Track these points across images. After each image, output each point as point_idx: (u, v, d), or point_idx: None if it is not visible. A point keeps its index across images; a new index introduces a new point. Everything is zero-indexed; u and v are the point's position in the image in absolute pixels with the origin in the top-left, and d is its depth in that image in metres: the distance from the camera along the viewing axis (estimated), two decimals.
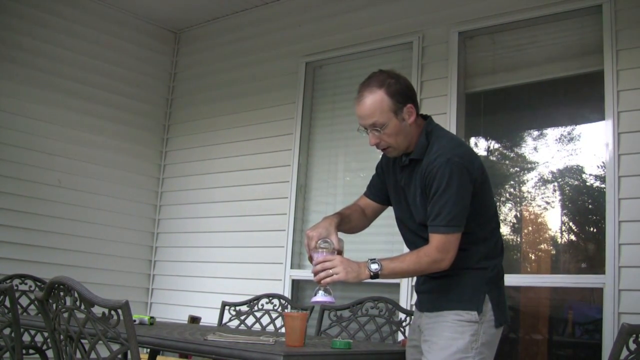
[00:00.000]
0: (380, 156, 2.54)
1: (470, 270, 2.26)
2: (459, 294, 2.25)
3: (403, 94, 2.28)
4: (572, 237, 4.06)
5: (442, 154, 2.20)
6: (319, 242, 2.26)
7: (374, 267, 2.19)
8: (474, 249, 2.26)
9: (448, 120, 4.10)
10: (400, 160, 2.38)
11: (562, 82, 4.00)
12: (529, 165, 4.18)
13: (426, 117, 2.41)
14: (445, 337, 2.21)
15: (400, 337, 3.47)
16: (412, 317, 3.47)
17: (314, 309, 3.71)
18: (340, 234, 2.40)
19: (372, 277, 2.20)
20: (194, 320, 4.24)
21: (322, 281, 2.18)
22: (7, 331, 2.85)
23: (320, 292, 2.11)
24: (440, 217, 2.17)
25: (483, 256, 2.27)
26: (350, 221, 2.49)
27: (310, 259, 2.29)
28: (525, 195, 4.21)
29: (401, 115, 2.27)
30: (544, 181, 4.09)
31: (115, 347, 2.04)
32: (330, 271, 2.18)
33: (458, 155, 2.20)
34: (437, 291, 2.31)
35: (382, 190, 2.54)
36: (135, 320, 2.66)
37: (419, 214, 2.29)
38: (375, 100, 2.26)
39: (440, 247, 2.18)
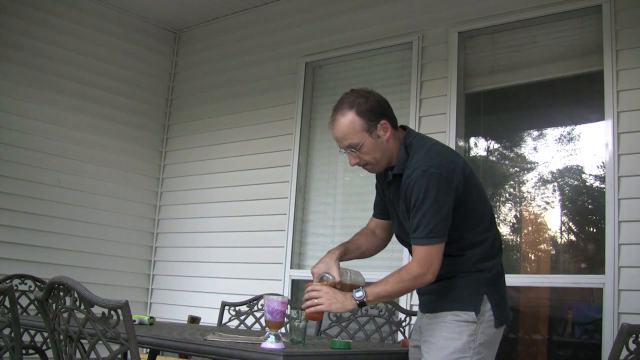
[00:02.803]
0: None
1: (468, 273, 2.27)
2: (457, 296, 2.26)
3: (374, 112, 2.30)
4: (572, 237, 4.06)
5: (419, 166, 2.21)
6: (318, 278, 2.34)
7: (358, 295, 2.23)
8: (469, 253, 2.27)
9: (448, 120, 4.11)
10: (386, 176, 2.41)
11: (562, 82, 4.00)
12: (529, 165, 4.18)
13: (405, 128, 2.42)
14: (443, 337, 2.22)
15: (400, 337, 3.47)
16: (412, 317, 3.49)
17: None
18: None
19: (359, 306, 2.26)
20: (194, 320, 4.24)
21: (307, 311, 2.26)
22: (6, 331, 2.85)
23: (271, 338, 2.12)
24: (420, 229, 2.19)
25: (480, 259, 2.28)
26: (358, 247, 2.55)
27: None
28: (525, 195, 4.21)
29: (375, 132, 2.29)
30: (544, 181, 4.08)
31: (115, 347, 2.04)
32: (315, 301, 2.25)
33: (434, 165, 2.20)
34: (436, 293, 2.32)
35: (384, 206, 2.55)
36: (135, 320, 2.66)
37: (409, 228, 2.31)
38: (347, 122, 2.29)
39: (422, 260, 2.20)
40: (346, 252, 2.49)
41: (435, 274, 2.21)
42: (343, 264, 2.43)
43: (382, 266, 3.79)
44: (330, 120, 2.36)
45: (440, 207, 2.17)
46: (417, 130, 4.14)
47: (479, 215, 2.32)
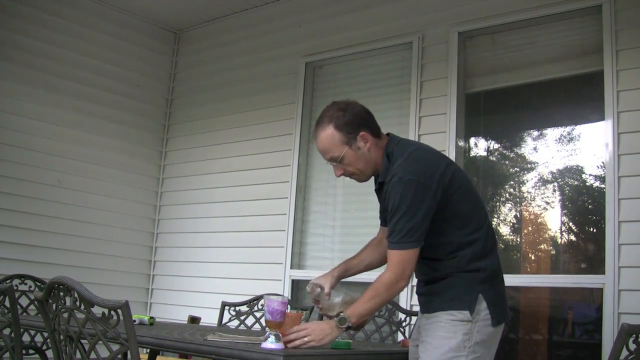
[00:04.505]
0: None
1: (463, 273, 2.28)
2: (452, 295, 2.27)
3: (353, 124, 2.34)
4: (572, 237, 4.06)
5: (396, 173, 2.25)
6: (309, 288, 2.44)
7: (341, 322, 2.27)
8: (461, 254, 2.29)
9: (448, 120, 4.11)
10: (375, 184, 2.46)
11: (562, 82, 3.99)
12: (529, 165, 4.18)
13: (389, 135, 2.45)
14: (438, 336, 2.24)
15: (400, 337, 3.47)
16: (412, 317, 3.49)
17: (314, 309, 3.71)
18: None
19: (347, 330, 2.29)
20: (194, 320, 4.24)
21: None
22: (7, 331, 2.85)
23: (271, 338, 2.13)
24: (394, 234, 2.23)
25: (472, 258, 2.29)
26: (362, 261, 2.61)
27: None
28: (525, 195, 4.21)
29: (355, 144, 2.34)
30: (544, 181, 4.08)
31: (115, 347, 2.04)
32: (305, 339, 2.24)
33: (411, 172, 2.23)
34: (432, 294, 2.35)
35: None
36: (135, 321, 2.66)
37: None
38: (326, 136, 2.35)
39: (394, 266, 2.24)
40: (347, 268, 2.55)
41: (408, 279, 2.26)
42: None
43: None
44: (312, 134, 2.41)
45: (414, 213, 2.20)
46: (417, 131, 4.20)
47: (465, 216, 2.33)
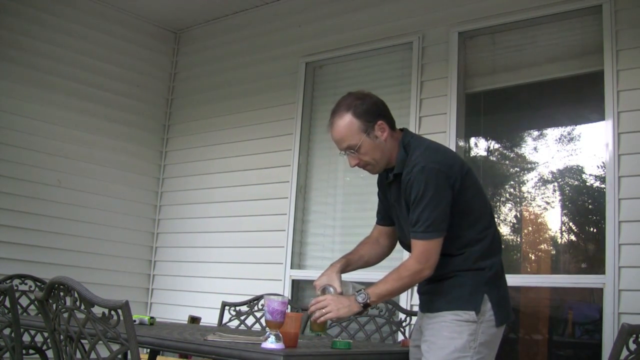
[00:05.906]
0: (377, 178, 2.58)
1: (468, 272, 2.28)
2: (457, 295, 2.27)
3: (371, 113, 2.33)
4: (572, 237, 4.06)
5: (418, 162, 2.24)
6: (320, 290, 2.40)
7: (361, 297, 2.28)
8: (469, 251, 2.29)
9: (448, 120, 4.11)
10: (387, 177, 2.44)
11: (562, 82, 4.00)
12: (529, 165, 4.18)
13: (403, 130, 2.45)
14: (443, 336, 2.23)
15: (400, 337, 3.47)
16: (412, 317, 3.49)
17: None
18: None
19: (364, 307, 2.31)
20: (194, 320, 4.24)
21: (318, 320, 2.30)
22: (7, 331, 2.85)
23: (271, 338, 2.13)
24: (419, 223, 2.22)
25: (479, 256, 2.29)
26: (361, 257, 2.60)
27: None
28: (525, 195, 4.21)
29: (373, 133, 2.33)
30: (544, 181, 4.09)
31: (115, 347, 2.04)
32: (323, 310, 2.29)
33: (434, 161, 2.24)
34: (436, 293, 2.34)
35: (386, 212, 2.58)
36: (135, 321, 2.66)
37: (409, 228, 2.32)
38: (344, 124, 2.33)
39: (419, 255, 2.24)
40: (348, 263, 2.54)
41: (433, 269, 2.25)
42: (348, 275, 2.46)
43: (384, 266, 3.78)
44: (328, 124, 2.40)
45: (438, 202, 2.20)
46: (417, 131, 4.20)
47: (477, 212, 2.34)
